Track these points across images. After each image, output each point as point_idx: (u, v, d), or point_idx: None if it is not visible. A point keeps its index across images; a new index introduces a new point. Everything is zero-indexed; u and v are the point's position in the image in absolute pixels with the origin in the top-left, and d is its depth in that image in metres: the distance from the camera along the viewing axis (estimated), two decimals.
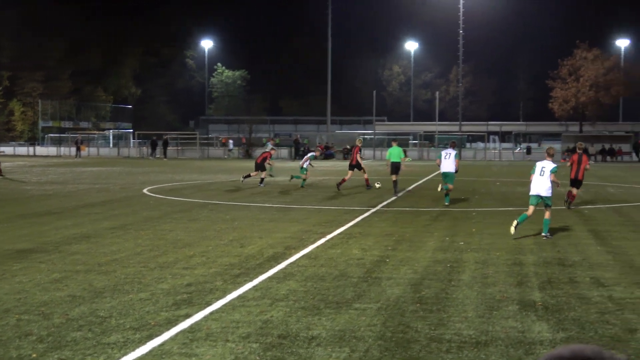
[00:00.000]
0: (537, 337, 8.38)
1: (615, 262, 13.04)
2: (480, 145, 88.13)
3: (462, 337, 8.36)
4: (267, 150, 33.58)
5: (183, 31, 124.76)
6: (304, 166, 31.60)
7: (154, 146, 72.18)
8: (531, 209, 16.53)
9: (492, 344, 8.15)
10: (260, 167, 31.40)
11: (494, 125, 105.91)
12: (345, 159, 71.00)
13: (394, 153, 28.05)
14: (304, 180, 31.37)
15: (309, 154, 32.40)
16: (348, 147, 74.31)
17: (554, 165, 16.67)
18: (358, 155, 30.13)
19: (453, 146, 25.55)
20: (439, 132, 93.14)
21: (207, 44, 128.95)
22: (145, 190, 28.72)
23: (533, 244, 14.99)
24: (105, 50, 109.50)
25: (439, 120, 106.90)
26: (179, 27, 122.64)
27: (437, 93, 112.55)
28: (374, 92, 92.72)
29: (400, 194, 27.47)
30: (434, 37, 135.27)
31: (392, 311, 9.47)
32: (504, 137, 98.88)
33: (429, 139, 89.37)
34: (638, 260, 13.16)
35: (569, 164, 23.92)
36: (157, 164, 56.77)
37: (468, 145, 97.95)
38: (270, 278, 11.49)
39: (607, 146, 72.02)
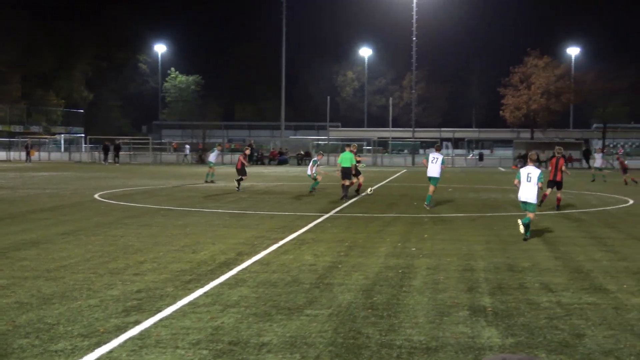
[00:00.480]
0: (486, 343, 8.44)
1: (564, 267, 13.19)
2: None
3: (412, 343, 8.38)
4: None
5: (136, 35, 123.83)
6: (313, 173, 31.26)
7: (106, 151, 71.52)
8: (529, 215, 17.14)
9: (442, 349, 8.19)
10: (242, 171, 32.05)
11: (447, 132, 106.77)
12: (299, 164, 71.11)
13: (346, 158, 28.18)
14: (317, 181, 31.53)
15: (313, 160, 32.36)
16: (302, 152, 74.46)
17: (539, 171, 17.29)
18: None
19: (438, 150, 26.11)
20: (392, 138, 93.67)
21: (160, 48, 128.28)
22: (96, 196, 28.41)
23: (484, 250, 15.10)
24: (56, 54, 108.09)
25: (393, 127, 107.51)
26: (131, 31, 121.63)
27: (391, 99, 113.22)
28: (328, 97, 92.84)
29: (354, 199, 27.53)
30: (388, 43, 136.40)
31: (343, 317, 9.47)
32: (456, 143, 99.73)
33: (382, 145, 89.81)
34: (586, 266, 13.33)
35: (549, 167, 25.26)
36: (109, 169, 56.26)
37: (422, 151, 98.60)
38: (221, 284, 11.42)
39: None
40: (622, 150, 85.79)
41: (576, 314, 9.74)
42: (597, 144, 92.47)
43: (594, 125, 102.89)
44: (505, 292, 11.07)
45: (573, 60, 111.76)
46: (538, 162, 21.63)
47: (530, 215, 17.11)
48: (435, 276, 12.26)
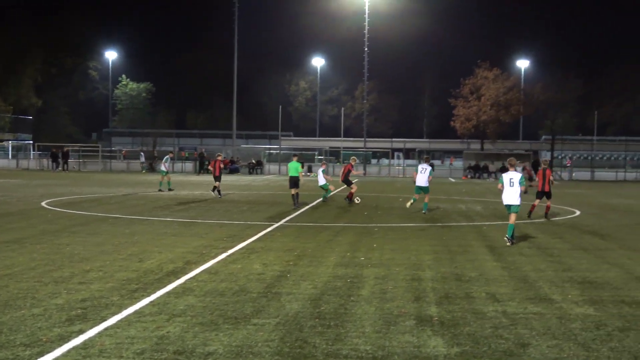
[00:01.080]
0: (432, 352, 8.47)
1: (510, 277, 13.32)
2: (385, 161, 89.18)
3: (359, 353, 8.38)
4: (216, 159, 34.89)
5: (86, 41, 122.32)
6: (324, 183, 32.10)
7: (55, 158, 70.55)
8: (511, 217, 18.65)
9: (389, 359, 8.20)
10: (219, 178, 33.58)
11: (398, 142, 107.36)
12: (250, 173, 70.98)
13: (292, 167, 29.16)
14: (329, 191, 32.45)
15: (322, 170, 32.99)
16: (254, 161, 74.33)
17: (521, 175, 18.86)
18: (349, 172, 32.46)
19: (427, 161, 28.81)
20: (344, 148, 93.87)
21: (111, 54, 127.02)
22: (43, 204, 28.02)
23: (432, 260, 15.19)
24: (4, 59, 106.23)
25: (345, 136, 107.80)
26: (81, 37, 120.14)
27: (343, 109, 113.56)
28: (280, 107, 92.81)
29: (302, 209, 27.55)
30: (341, 54, 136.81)
31: (290, 326, 9.45)
32: (407, 153, 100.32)
33: (334, 155, 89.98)
34: (532, 276, 13.47)
35: (536, 178, 27.16)
36: (58, 176, 55.53)
37: (374, 161, 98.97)
38: (168, 293, 11.32)
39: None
40: (571, 162, 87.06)
41: (521, 324, 9.83)
42: (546, 155, 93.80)
43: (543, 137, 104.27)
44: (451, 301, 11.15)
45: (522, 73, 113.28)
46: (550, 168, 25.11)
47: (513, 217, 18.54)
48: (383, 286, 12.29)
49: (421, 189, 27.35)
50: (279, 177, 63.02)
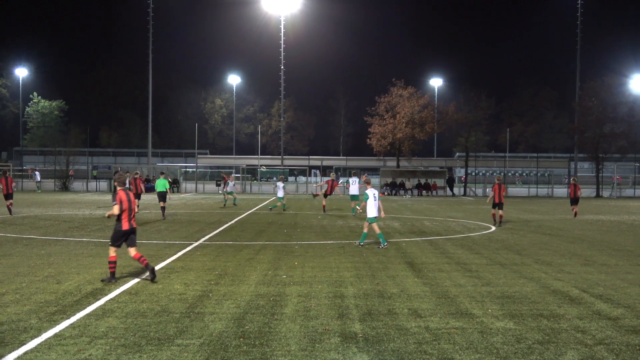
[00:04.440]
0: None
1: (432, 293, 13.48)
2: (302, 179, 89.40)
3: None
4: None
5: None
6: (282, 195, 39.37)
7: None
8: (374, 226, 21.27)
9: None
10: (139, 196, 34.43)
11: (315, 160, 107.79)
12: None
13: (160, 184, 33.39)
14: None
15: (280, 183, 39.87)
16: (170, 179, 73.51)
17: (376, 190, 21.50)
18: (336, 186, 37.22)
19: (356, 175, 35.79)
20: (261, 165, 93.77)
21: (21, 72, 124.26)
22: None
23: (353, 277, 15.25)
24: None
25: (262, 154, 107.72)
26: None
27: (260, 127, 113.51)
28: (196, 124, 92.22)
29: (222, 227, 27.42)
30: (257, 71, 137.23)
31: (214, 346, 9.37)
32: (325, 171, 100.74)
33: (251, 173, 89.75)
34: (453, 291, 13.66)
35: (492, 194, 30.50)
36: None
37: (291, 179, 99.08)
38: (88, 315, 11.10)
39: (422, 181, 74.81)
40: (520, 178, 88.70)
41: (444, 339, 9.95)
42: (460, 172, 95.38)
43: (457, 154, 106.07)
44: (375, 318, 11.21)
45: (436, 91, 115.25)
46: (503, 184, 30.58)
47: (376, 226, 21.28)
48: (306, 303, 12.29)
49: (355, 197, 34.77)
50: (195, 196, 62.51)
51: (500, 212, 30.44)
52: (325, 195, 37.57)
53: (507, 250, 21.26)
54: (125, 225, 14.42)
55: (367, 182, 22.86)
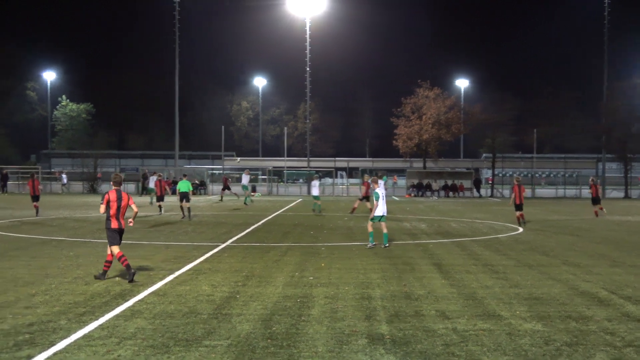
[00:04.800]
0: None
1: (459, 295, 13.44)
2: (329, 180, 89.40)
3: None
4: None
5: (22, 62, 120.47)
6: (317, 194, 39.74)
7: None
8: (383, 225, 21.72)
9: None
10: (162, 198, 36.11)
11: (342, 161, 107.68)
12: (193, 194, 70.39)
13: (184, 185, 34.16)
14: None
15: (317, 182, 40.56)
16: (197, 181, 73.78)
17: (385, 190, 22.59)
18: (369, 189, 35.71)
19: (383, 177, 35.36)
20: (287, 167, 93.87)
21: (49, 75, 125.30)
22: None
23: (380, 279, 15.24)
24: None
25: (287, 156, 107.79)
26: (17, 58, 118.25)
27: (285, 129, 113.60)
28: (222, 127, 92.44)
29: (248, 229, 27.51)
30: (282, 73, 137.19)
31: (242, 348, 9.40)
32: (351, 172, 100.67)
33: (277, 174, 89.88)
34: (480, 293, 13.61)
35: (512, 195, 31.28)
36: None
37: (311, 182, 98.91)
38: (117, 316, 11.18)
39: (449, 182, 74.55)
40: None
41: (472, 340, 9.92)
42: (487, 173, 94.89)
43: (483, 155, 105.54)
44: (402, 319, 11.20)
45: (462, 92, 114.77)
46: (523, 185, 31.75)
47: (384, 225, 21.78)
48: (333, 305, 12.30)
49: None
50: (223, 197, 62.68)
51: (521, 212, 30.78)
52: (362, 199, 37.23)
53: (534, 251, 21.15)
54: (114, 224, 14.90)
55: (375, 182, 22.99)
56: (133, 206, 15.48)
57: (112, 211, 14.83)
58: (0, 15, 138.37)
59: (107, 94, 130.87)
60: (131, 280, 14.30)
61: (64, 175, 76.13)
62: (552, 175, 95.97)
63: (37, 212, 34.01)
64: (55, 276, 15.11)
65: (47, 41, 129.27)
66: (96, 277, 14.72)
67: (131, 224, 15.52)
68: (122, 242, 15.00)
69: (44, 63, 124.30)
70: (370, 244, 21.64)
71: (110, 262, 14.89)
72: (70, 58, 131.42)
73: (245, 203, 45.65)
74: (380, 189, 21.90)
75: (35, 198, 34.52)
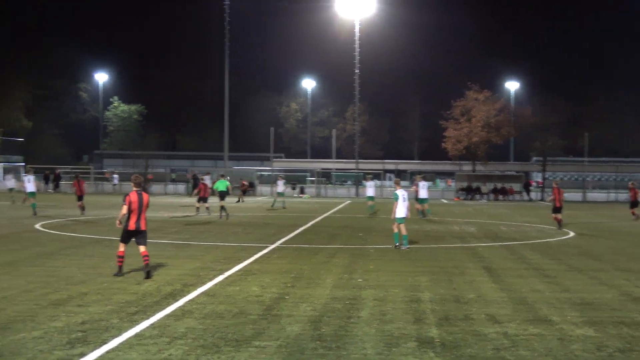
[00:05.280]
0: None
1: (509, 299, 13.33)
2: (377, 183, 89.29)
3: None
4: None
5: (76, 63, 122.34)
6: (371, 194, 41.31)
7: (47, 180, 70.24)
8: (402, 227, 21.70)
9: None
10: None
11: (390, 164, 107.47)
12: (243, 194, 70.70)
13: (222, 184, 35.40)
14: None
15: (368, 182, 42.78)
16: (246, 183, 74.13)
17: (407, 192, 22.31)
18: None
19: (424, 179, 38.47)
20: (335, 169, 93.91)
21: (101, 77, 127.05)
22: (36, 226, 27.93)
23: (429, 281, 15.18)
24: None
25: (336, 158, 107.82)
26: (71, 60, 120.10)
27: (334, 131, 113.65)
28: (272, 129, 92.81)
29: (297, 230, 27.59)
30: (331, 76, 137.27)
31: (291, 349, 9.43)
32: (399, 175, 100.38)
33: (326, 176, 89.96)
34: (531, 297, 13.48)
35: (551, 197, 31.83)
36: (49, 198, 55.30)
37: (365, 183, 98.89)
38: (168, 316, 11.29)
39: (498, 185, 73.94)
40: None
41: (522, 345, 9.83)
42: (537, 177, 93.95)
43: (534, 159, 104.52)
44: (451, 323, 11.14)
45: (512, 95, 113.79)
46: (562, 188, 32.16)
47: (403, 227, 21.69)
48: (382, 307, 12.28)
49: (423, 200, 37.17)
50: (271, 199, 62.90)
51: (560, 215, 30.89)
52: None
53: (585, 256, 20.88)
54: (131, 226, 15.28)
55: (397, 183, 23.07)
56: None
57: (133, 212, 15.21)
58: (54, 18, 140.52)
59: (158, 95, 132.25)
60: (146, 277, 14.87)
61: (115, 176, 77.09)
62: (603, 179, 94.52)
63: (82, 212, 34.63)
64: (107, 275, 15.31)
65: (99, 43, 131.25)
66: (115, 275, 15.18)
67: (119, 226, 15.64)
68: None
69: (96, 64, 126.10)
70: (396, 244, 21.92)
71: (122, 257, 15.51)
72: (121, 59, 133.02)
73: (272, 206, 46.36)
74: (400, 191, 21.86)
75: (80, 198, 35.23)
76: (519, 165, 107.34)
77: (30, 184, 36.43)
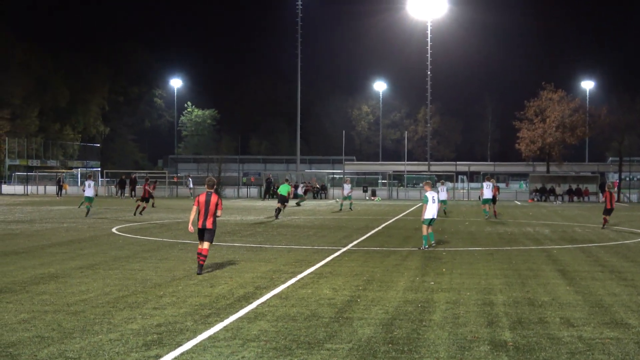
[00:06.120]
0: None
1: (585, 302, 13.11)
2: (449, 185, 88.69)
3: None
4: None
5: (151, 70, 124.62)
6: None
7: (122, 185, 71.67)
8: (429, 229, 22.23)
9: None
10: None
11: (462, 165, 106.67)
12: (315, 198, 71.04)
13: (283, 189, 37.53)
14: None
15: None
16: (318, 186, 74.41)
17: (436, 194, 22.54)
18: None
19: (489, 180, 38.34)
20: (407, 171, 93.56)
21: (176, 82, 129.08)
22: (113, 230, 28.51)
23: (502, 284, 15.03)
24: (72, 88, 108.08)
25: (408, 160, 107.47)
26: (146, 66, 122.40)
27: (406, 133, 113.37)
28: (343, 131, 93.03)
29: (368, 233, 27.58)
30: (402, 77, 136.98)
31: (364, 351, 9.44)
32: (472, 177, 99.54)
33: (397, 179, 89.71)
34: (607, 300, 13.25)
35: (602, 199, 33.95)
36: (126, 202, 56.38)
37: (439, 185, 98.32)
38: (241, 318, 11.41)
39: (573, 186, 72.70)
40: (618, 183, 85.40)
41: (598, 349, 9.67)
42: (613, 177, 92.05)
43: (610, 159, 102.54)
44: (525, 326, 11.01)
45: (587, 94, 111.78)
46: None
47: (427, 228, 22.06)
48: (454, 310, 12.21)
49: (486, 201, 37.69)
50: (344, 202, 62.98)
51: (607, 217, 31.69)
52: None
53: None
54: (199, 224, 16.28)
55: (427, 185, 23.11)
56: (218, 211, 16.43)
57: (201, 212, 16.22)
58: (130, 25, 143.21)
59: (231, 100, 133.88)
60: (199, 273, 16.01)
61: (190, 179, 78.23)
62: None
63: (138, 212, 38.04)
64: (181, 278, 15.55)
65: (173, 50, 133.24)
66: (198, 273, 16.00)
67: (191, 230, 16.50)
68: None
69: (171, 71, 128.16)
70: (423, 247, 22.10)
71: (204, 256, 16.25)
72: (195, 66, 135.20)
73: (340, 209, 46.26)
74: (430, 193, 22.17)
75: (145, 199, 38.66)
76: (595, 166, 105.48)
77: (90, 189, 37.65)
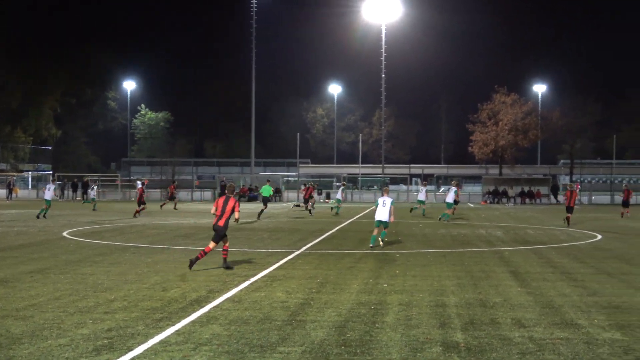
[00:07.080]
0: None
1: (536, 303, 13.24)
2: (403, 187, 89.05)
3: None
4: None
5: (104, 72, 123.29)
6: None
7: (75, 188, 70.86)
8: (377, 230, 23.42)
9: None
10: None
11: (416, 168, 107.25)
12: (269, 201, 70.78)
13: (265, 189, 40.34)
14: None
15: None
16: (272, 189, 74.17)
17: (392, 199, 23.63)
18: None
19: (387, 193, 35.86)
20: (362, 174, 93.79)
21: (129, 85, 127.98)
22: (65, 233, 28.16)
23: (455, 286, 15.12)
24: (24, 91, 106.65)
25: (362, 163, 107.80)
26: (100, 68, 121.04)
27: (360, 136, 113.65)
28: (298, 134, 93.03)
29: (322, 235, 27.60)
30: (357, 80, 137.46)
31: (316, 354, 9.42)
32: (426, 179, 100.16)
33: (352, 181, 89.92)
34: (557, 301, 13.39)
35: (564, 197, 36.39)
36: (77, 206, 55.76)
37: (392, 187, 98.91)
38: (193, 322, 11.33)
39: (526, 189, 73.51)
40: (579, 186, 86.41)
41: (548, 349, 9.76)
42: (564, 180, 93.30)
43: (561, 162, 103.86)
44: (477, 327, 11.09)
45: (540, 97, 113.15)
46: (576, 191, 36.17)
47: (377, 230, 23.38)
48: (407, 312, 12.25)
49: (449, 205, 38.05)
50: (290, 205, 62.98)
51: (569, 215, 34.47)
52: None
53: (615, 259, 20.72)
54: (214, 221, 17.87)
55: (386, 191, 25.38)
56: (235, 213, 17.94)
57: (217, 213, 17.65)
58: (82, 27, 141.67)
59: (186, 103, 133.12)
60: (227, 267, 17.73)
61: (138, 183, 77.57)
62: (632, 181, 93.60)
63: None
64: (133, 282, 15.40)
65: (126, 52, 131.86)
66: (227, 268, 17.68)
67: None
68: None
69: (124, 73, 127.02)
70: (370, 245, 23.17)
71: (225, 251, 18.17)
72: (148, 68, 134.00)
73: (337, 213, 45.78)
74: (382, 198, 23.67)
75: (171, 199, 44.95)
76: (547, 168, 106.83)
77: (49, 192, 38.15)
